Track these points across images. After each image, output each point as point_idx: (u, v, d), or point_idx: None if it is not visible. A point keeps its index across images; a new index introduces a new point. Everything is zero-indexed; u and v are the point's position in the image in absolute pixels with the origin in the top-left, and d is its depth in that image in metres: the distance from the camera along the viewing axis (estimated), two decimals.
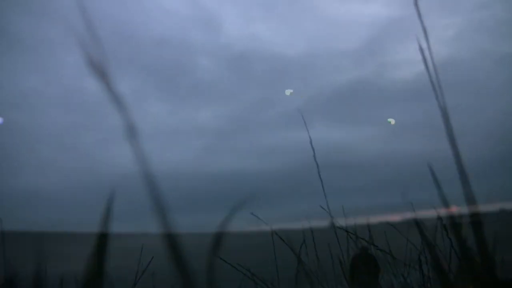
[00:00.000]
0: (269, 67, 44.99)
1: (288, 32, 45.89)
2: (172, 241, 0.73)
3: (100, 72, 0.78)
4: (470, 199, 0.92)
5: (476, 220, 0.91)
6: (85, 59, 0.79)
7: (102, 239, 0.78)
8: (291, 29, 45.93)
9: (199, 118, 46.31)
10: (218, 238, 0.82)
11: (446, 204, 0.98)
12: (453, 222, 1.02)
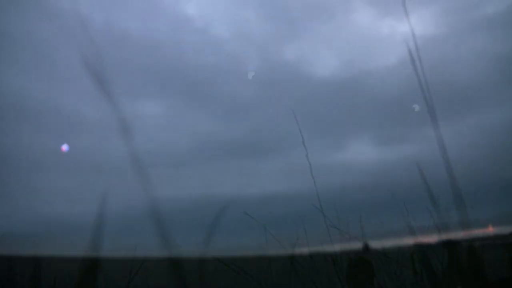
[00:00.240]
0: (301, 87, 42.08)
1: (321, 51, 43.61)
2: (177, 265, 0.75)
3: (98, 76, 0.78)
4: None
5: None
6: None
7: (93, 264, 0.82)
8: (324, 47, 43.53)
9: (225, 138, 43.12)
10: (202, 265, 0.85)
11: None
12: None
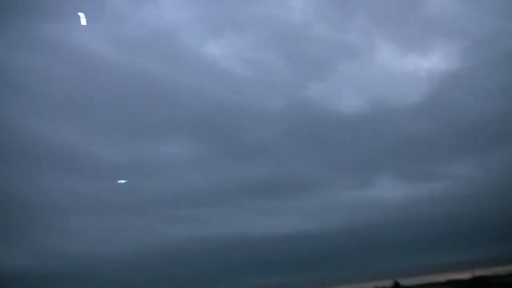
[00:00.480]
0: (326, 125, 43.30)
1: (345, 89, 45.61)
2: None
3: None
4: None
5: None
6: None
7: None
8: (348, 86, 45.56)
9: (250, 177, 42.45)
10: None
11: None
12: None
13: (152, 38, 40.84)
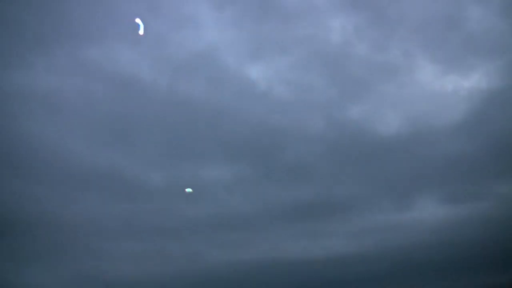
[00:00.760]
0: (368, 146, 42.32)
1: (385, 110, 43.75)
2: None
3: None
4: None
5: None
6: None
7: None
8: (388, 106, 43.88)
9: (291, 200, 41.02)
10: None
11: None
12: None
13: (192, 61, 40.97)
